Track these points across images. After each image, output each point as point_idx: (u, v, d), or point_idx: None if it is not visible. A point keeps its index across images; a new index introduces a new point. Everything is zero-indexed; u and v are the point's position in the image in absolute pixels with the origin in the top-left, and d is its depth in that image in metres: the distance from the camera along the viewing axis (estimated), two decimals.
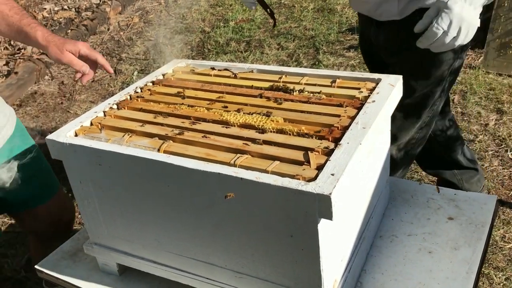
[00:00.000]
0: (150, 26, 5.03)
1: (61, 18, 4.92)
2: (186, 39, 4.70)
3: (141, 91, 1.28)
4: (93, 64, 1.34)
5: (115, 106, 1.21)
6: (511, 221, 2.32)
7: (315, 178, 0.83)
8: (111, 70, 1.31)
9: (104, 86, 4.09)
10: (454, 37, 1.16)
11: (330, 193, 0.78)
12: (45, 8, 5.01)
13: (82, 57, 1.32)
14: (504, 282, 2.02)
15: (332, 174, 0.82)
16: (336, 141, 0.93)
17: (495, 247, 2.18)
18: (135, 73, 4.16)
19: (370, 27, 1.54)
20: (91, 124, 1.14)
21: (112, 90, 3.98)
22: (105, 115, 1.17)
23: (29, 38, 1.31)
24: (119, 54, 4.54)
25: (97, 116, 1.16)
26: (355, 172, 0.89)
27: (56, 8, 5.04)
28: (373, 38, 1.55)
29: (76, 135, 1.10)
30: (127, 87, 1.30)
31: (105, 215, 1.12)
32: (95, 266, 1.26)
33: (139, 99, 1.23)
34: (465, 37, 1.17)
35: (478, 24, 1.19)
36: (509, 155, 2.75)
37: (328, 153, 0.90)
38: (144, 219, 1.07)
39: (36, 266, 1.31)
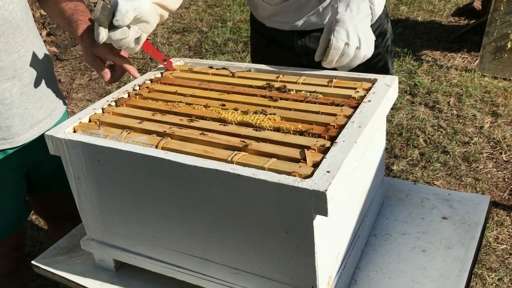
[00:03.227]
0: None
1: None
2: (184, 39, 4.71)
3: (140, 89, 1.29)
4: (121, 68, 1.34)
5: (113, 103, 1.22)
6: (504, 222, 2.34)
7: (311, 175, 0.84)
8: (137, 75, 1.33)
9: (101, 84, 4.10)
10: (357, 46, 1.14)
11: (326, 190, 0.80)
12: None
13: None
14: (497, 283, 2.04)
15: (328, 172, 0.84)
16: (332, 139, 0.95)
17: (488, 248, 2.20)
18: None
19: (292, 39, 1.51)
20: (90, 120, 1.15)
21: (109, 89, 3.98)
22: (103, 112, 1.18)
23: (73, 34, 1.36)
24: None
25: (95, 113, 1.17)
26: (350, 170, 0.91)
27: None
28: (297, 47, 1.51)
29: (74, 131, 1.11)
30: (124, 86, 1.31)
31: (103, 211, 1.13)
32: (92, 262, 1.27)
33: (137, 96, 1.24)
34: (367, 46, 1.16)
35: (373, 37, 1.18)
36: (504, 158, 2.77)
37: (324, 151, 0.91)
38: (142, 215, 1.08)
39: (32, 262, 1.31)
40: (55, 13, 1.40)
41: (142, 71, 4.15)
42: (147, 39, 1.27)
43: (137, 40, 1.22)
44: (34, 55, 1.37)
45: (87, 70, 4.34)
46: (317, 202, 0.81)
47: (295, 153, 0.92)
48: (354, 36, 1.13)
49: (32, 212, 1.70)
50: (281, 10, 1.44)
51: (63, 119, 1.48)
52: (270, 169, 0.88)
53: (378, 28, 1.46)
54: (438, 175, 2.67)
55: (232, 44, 4.43)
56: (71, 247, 1.35)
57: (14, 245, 1.53)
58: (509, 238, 2.26)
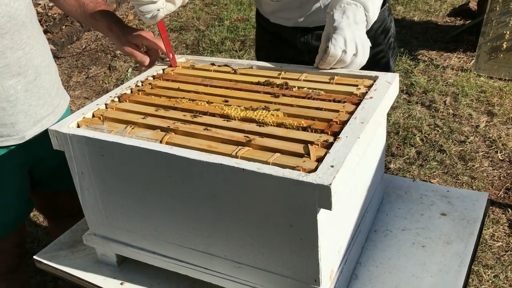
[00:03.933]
0: (144, 23, 5.03)
1: (55, 13, 4.91)
2: (181, 38, 4.71)
3: (142, 85, 1.29)
4: (155, 52, 1.39)
5: (116, 99, 1.22)
6: (500, 220, 2.37)
7: (315, 170, 0.85)
8: (172, 58, 1.37)
9: (99, 82, 4.09)
10: (354, 54, 1.17)
11: (330, 184, 0.81)
12: (40, 4, 4.99)
13: (145, 46, 1.38)
14: (493, 279, 2.06)
15: (332, 166, 0.85)
16: (335, 135, 0.96)
17: (484, 245, 2.22)
18: (130, 70, 4.16)
19: (295, 36, 1.53)
20: (93, 116, 1.16)
21: (107, 86, 3.98)
22: (106, 108, 1.19)
23: (98, 27, 1.41)
24: (113, 50, 4.54)
25: (99, 108, 1.18)
26: (353, 165, 0.92)
27: (50, 4, 5.02)
28: (300, 44, 1.53)
29: (78, 127, 1.11)
30: (121, 83, 1.33)
31: (106, 206, 1.14)
32: (94, 257, 1.27)
33: (140, 92, 1.25)
34: (363, 54, 1.18)
35: (369, 43, 1.21)
36: (499, 156, 2.80)
37: (328, 146, 0.92)
38: (145, 209, 1.08)
39: (34, 257, 1.32)
40: (74, 8, 1.42)
41: (138, 68, 4.15)
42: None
43: (156, 14, 1.24)
44: (38, 52, 1.37)
45: (84, 67, 4.34)
46: (321, 196, 0.82)
47: (298, 148, 0.93)
48: (352, 43, 1.16)
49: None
50: (283, 7, 1.45)
51: (66, 116, 1.49)
52: (274, 164, 0.89)
53: (381, 26, 1.47)
54: (435, 173, 2.69)
55: (229, 42, 4.43)
56: (72, 242, 1.35)
57: (16, 241, 1.54)
58: (504, 235, 2.29)
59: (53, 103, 1.45)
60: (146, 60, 1.36)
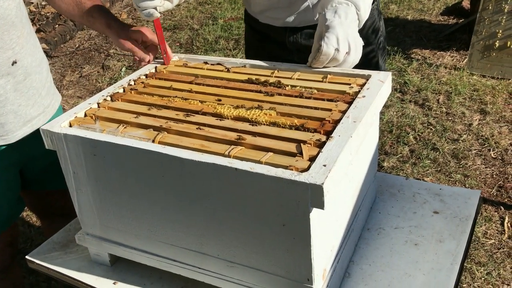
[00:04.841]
0: (138, 22, 5.01)
1: (48, 12, 4.88)
2: (175, 36, 4.70)
3: (135, 84, 1.29)
4: (154, 48, 1.40)
5: (108, 98, 1.22)
6: (492, 218, 2.38)
7: (307, 169, 0.85)
8: (171, 57, 1.38)
9: (92, 81, 4.08)
10: (346, 52, 1.18)
11: (323, 183, 0.81)
12: (32, 3, 4.96)
13: (144, 42, 1.38)
14: (485, 277, 2.08)
15: (324, 165, 0.85)
16: (328, 134, 0.96)
17: (477, 243, 2.23)
18: (123, 69, 4.15)
19: (284, 35, 1.53)
20: (85, 115, 1.15)
21: (100, 85, 3.96)
22: (99, 107, 1.18)
23: (95, 25, 1.40)
24: (107, 50, 4.52)
25: (91, 108, 1.17)
26: (346, 164, 0.92)
27: (43, 3, 4.99)
28: (289, 44, 1.53)
29: (70, 126, 1.11)
30: (115, 82, 1.32)
31: (98, 206, 1.13)
32: (87, 256, 1.27)
33: (132, 91, 1.24)
34: (356, 52, 1.19)
35: (362, 42, 1.21)
36: (492, 155, 2.81)
37: (320, 145, 0.92)
38: (138, 209, 1.08)
39: (27, 257, 1.31)
40: (71, 7, 1.41)
41: (132, 68, 4.14)
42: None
43: (153, 11, 1.26)
44: (28, 52, 1.36)
45: (77, 67, 4.32)
46: (314, 195, 0.82)
47: (291, 147, 0.93)
48: (344, 42, 1.16)
49: (24, 208, 1.69)
50: (272, 5, 1.45)
51: (57, 116, 1.48)
52: (267, 163, 0.89)
53: (371, 26, 1.48)
54: (428, 171, 2.70)
55: (223, 41, 4.43)
56: (65, 242, 1.35)
57: (8, 240, 1.53)
58: (497, 233, 2.30)
59: (44, 103, 1.45)
60: (147, 56, 1.36)
